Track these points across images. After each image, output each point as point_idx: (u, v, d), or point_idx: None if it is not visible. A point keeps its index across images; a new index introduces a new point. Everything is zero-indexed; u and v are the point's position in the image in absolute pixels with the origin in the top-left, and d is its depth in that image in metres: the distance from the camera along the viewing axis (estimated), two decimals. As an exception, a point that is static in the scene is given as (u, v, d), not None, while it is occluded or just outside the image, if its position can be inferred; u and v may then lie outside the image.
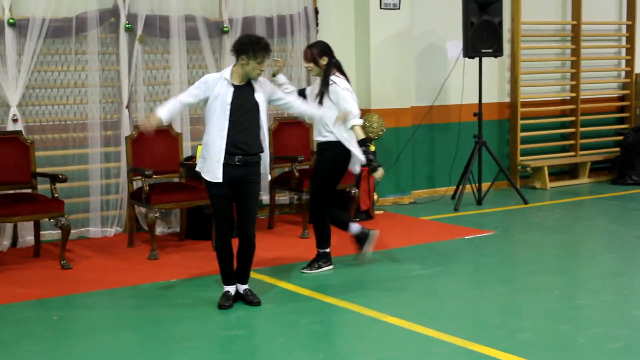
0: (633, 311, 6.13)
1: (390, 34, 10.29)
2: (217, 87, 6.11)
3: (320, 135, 7.13)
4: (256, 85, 6.21)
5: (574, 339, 5.50)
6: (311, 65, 7.14)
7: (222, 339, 5.67)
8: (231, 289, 6.33)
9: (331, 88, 7.01)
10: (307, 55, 7.16)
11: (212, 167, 6.09)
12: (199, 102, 6.22)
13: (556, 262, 7.65)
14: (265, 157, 6.27)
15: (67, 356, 5.35)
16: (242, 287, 6.38)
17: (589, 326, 5.78)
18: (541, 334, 5.60)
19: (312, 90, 7.27)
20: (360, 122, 7.02)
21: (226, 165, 6.07)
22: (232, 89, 6.10)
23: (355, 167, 7.18)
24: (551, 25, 12.15)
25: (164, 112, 6.14)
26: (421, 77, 10.83)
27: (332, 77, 7.05)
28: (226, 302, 6.23)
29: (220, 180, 6.07)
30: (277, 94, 6.47)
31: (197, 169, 6.29)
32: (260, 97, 6.20)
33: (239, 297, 6.36)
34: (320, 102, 7.02)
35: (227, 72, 6.19)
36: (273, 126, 9.32)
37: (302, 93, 7.30)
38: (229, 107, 6.07)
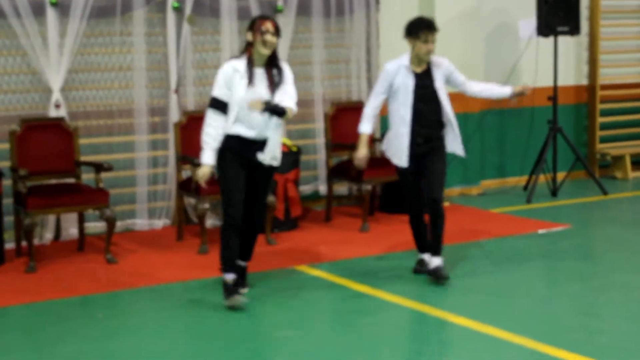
0: None
1: (457, 12, 10.22)
2: (398, 76, 6.64)
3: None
4: (434, 69, 6.67)
5: (659, 343, 5.43)
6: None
7: (277, 340, 5.68)
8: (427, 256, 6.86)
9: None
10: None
11: (397, 152, 6.72)
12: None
13: (638, 259, 7.54)
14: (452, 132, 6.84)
15: (113, 356, 5.39)
16: (436, 261, 6.78)
17: (675, 329, 5.70)
18: (622, 336, 5.53)
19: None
20: None
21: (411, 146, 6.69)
22: (412, 77, 6.63)
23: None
24: (634, 0, 11.95)
25: (368, 128, 6.80)
26: (491, 58, 10.74)
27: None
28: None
29: (406, 165, 6.70)
30: (455, 73, 6.87)
31: (383, 147, 6.99)
32: (439, 82, 6.70)
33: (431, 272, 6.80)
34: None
35: (405, 58, 6.70)
36: (330, 111, 9.31)
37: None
38: (411, 97, 6.60)
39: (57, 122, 8.11)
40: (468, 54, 10.31)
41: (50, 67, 8.29)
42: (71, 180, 8.06)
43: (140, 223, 8.85)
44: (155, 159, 8.92)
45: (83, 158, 8.18)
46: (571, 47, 11.31)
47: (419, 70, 6.69)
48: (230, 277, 6.28)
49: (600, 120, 11.60)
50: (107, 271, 7.37)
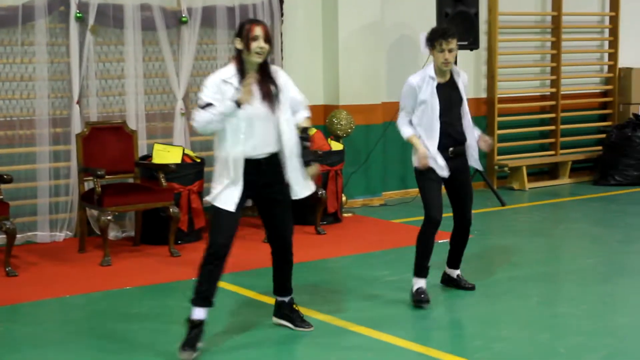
0: (615, 319, 6.21)
1: (359, 25, 10.33)
2: (423, 87, 6.41)
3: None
4: (457, 79, 6.51)
5: (553, 349, 5.55)
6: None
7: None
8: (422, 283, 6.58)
9: None
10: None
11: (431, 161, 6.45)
12: None
13: (535, 268, 7.71)
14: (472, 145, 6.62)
15: (13, 370, 5.32)
16: (455, 272, 6.94)
17: (569, 335, 5.84)
18: (518, 343, 5.66)
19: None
20: None
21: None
22: (438, 87, 6.42)
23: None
24: (530, 16, 12.26)
25: (410, 129, 6.50)
26: (393, 71, 10.87)
27: None
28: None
29: (446, 174, 6.47)
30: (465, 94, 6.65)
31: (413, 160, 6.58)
32: (463, 92, 6.55)
33: (452, 281, 6.94)
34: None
35: (430, 69, 6.46)
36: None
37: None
38: (438, 108, 6.40)
39: (-44, 133, 7.95)
40: (371, 67, 10.43)
41: (-52, 77, 8.13)
42: (-30, 192, 7.90)
43: (42, 235, 8.71)
44: (57, 170, 8.80)
45: (-18, 169, 8.02)
46: (470, 61, 11.51)
47: (443, 80, 6.50)
48: (199, 314, 5.55)
49: (499, 132, 11.83)
50: (8, 284, 7.23)
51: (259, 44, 5.44)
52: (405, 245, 8.32)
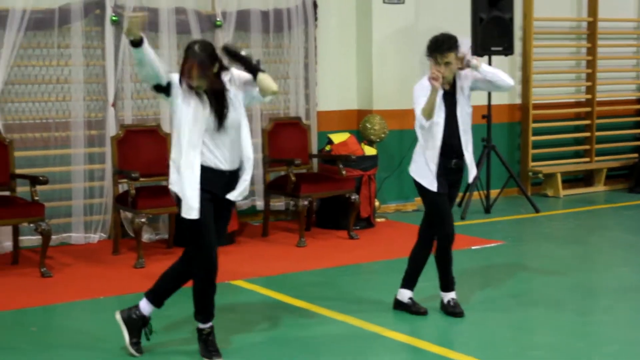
0: (651, 328, 6.15)
1: (393, 30, 10.31)
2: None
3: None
4: (458, 86, 6.27)
5: (588, 357, 5.51)
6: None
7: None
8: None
9: None
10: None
11: (430, 175, 6.25)
12: None
13: (569, 275, 7.65)
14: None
15: (47, 371, 5.35)
16: (448, 296, 6.46)
17: (603, 344, 5.79)
18: (554, 351, 5.61)
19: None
20: None
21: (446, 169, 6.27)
22: (442, 94, 6.17)
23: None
24: (566, 22, 12.18)
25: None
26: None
27: None
28: None
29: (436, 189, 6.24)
30: (474, 73, 6.36)
31: (411, 172, 6.36)
32: (461, 99, 6.27)
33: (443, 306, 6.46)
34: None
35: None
36: (268, 127, 9.33)
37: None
38: (443, 115, 6.19)
39: (-7, 134, 8.01)
40: (404, 72, 10.40)
41: (-15, 79, 8.19)
42: (6, 193, 7.94)
43: (76, 236, 8.75)
44: (92, 172, 8.84)
45: (18, 171, 8.07)
46: (505, 67, 11.44)
47: (447, 87, 6.26)
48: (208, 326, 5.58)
49: (533, 138, 11.76)
50: (42, 285, 7.28)
51: (192, 83, 5.26)
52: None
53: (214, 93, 5.33)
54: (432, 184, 6.25)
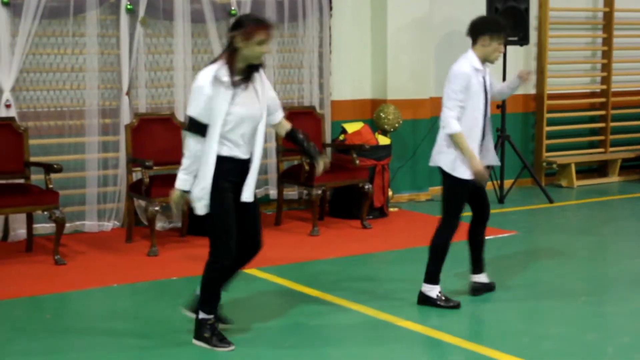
0: (664, 319, 6.14)
1: (408, 20, 10.28)
2: (473, 78, 6.11)
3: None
4: (487, 71, 6.26)
5: (601, 349, 5.50)
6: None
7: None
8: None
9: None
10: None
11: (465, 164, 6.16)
12: None
13: (583, 266, 7.64)
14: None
15: (61, 357, 5.37)
16: (483, 277, 6.62)
17: (617, 335, 5.78)
18: (566, 342, 5.60)
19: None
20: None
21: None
22: (482, 78, 6.15)
23: None
24: (581, 12, 12.12)
25: (460, 131, 6.09)
26: (441, 67, 10.77)
27: None
28: None
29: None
30: (492, 77, 6.44)
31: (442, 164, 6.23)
32: (488, 84, 6.27)
33: (484, 287, 6.61)
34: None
35: (473, 59, 6.17)
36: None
37: None
38: (482, 100, 6.17)
39: (7, 122, 8.02)
40: (419, 62, 10.39)
41: (1, 67, 8.20)
42: (20, 181, 7.98)
43: (90, 224, 8.78)
44: (106, 160, 8.86)
45: (33, 159, 8.10)
46: (520, 57, 11.42)
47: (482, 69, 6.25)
48: (212, 317, 5.56)
49: (547, 129, 11.73)
50: (56, 272, 7.31)
51: (263, 49, 5.29)
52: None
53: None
54: (466, 173, 6.17)
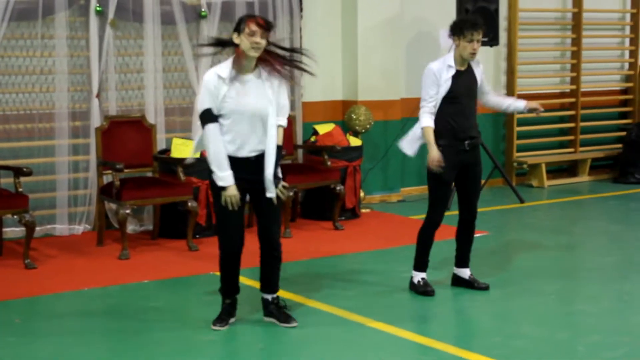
0: (634, 318, 6.17)
1: (379, 20, 10.30)
2: (443, 75, 6.42)
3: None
4: (475, 68, 6.54)
5: (572, 347, 5.53)
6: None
7: (198, 343, 5.64)
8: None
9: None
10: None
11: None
12: None
13: (553, 265, 7.69)
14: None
15: (31, 362, 5.34)
16: (466, 272, 6.84)
17: (587, 333, 5.81)
18: (537, 341, 5.63)
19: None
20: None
21: (457, 152, 6.48)
22: (457, 76, 6.43)
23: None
24: (551, 12, 12.20)
25: (431, 121, 6.48)
26: (412, 67, 10.83)
27: None
28: None
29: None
30: (484, 80, 6.73)
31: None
32: (479, 82, 6.58)
33: (463, 282, 6.81)
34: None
35: (449, 58, 6.51)
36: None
37: None
38: (458, 97, 6.43)
39: (-24, 125, 7.98)
40: (390, 63, 10.41)
41: (-31, 70, 8.16)
42: (-10, 184, 7.94)
43: (60, 228, 8.73)
44: (76, 163, 8.82)
45: (2, 162, 8.06)
46: (490, 58, 11.47)
47: (462, 68, 6.51)
48: (224, 298, 6.00)
49: (518, 129, 11.79)
50: (26, 276, 7.26)
51: (254, 39, 5.50)
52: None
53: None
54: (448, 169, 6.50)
